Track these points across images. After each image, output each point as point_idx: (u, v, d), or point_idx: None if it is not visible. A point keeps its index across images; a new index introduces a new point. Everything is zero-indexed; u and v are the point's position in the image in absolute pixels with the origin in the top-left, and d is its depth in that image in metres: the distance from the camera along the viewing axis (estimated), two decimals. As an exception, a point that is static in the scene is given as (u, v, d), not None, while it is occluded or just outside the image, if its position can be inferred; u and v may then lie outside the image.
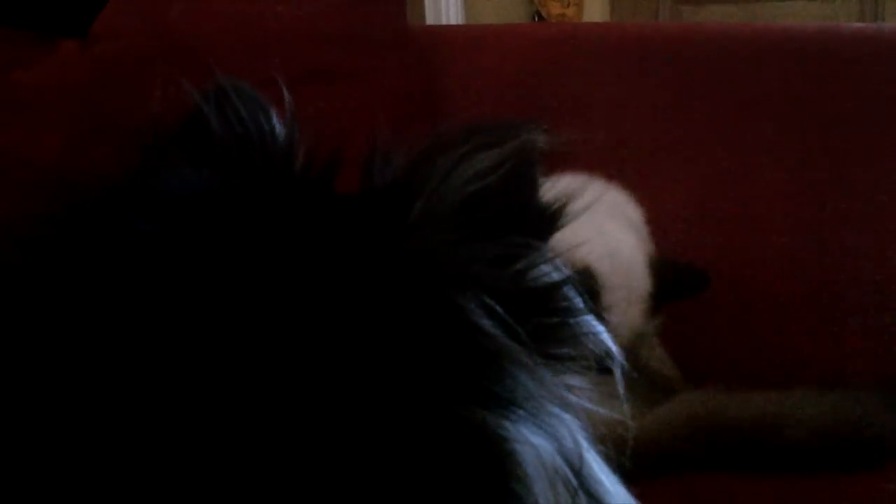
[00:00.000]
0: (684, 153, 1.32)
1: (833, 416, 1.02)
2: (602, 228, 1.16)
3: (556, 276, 0.49)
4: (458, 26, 2.94)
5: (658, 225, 1.25)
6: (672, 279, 1.14)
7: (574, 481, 0.45)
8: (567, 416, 0.47)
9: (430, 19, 3.25)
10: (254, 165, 0.50)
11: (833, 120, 1.29)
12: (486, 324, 0.44)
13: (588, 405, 0.48)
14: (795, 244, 1.24)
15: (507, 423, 0.43)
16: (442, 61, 1.41)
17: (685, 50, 1.38)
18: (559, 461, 0.45)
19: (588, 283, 1.07)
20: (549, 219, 0.51)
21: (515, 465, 0.43)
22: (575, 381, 0.49)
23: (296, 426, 0.42)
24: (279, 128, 0.52)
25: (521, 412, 0.44)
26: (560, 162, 1.27)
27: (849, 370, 1.17)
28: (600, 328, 0.51)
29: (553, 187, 0.51)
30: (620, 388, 0.53)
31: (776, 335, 1.22)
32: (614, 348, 0.52)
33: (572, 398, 0.48)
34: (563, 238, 1.08)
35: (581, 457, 0.47)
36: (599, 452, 0.50)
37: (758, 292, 1.23)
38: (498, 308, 0.45)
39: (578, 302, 0.51)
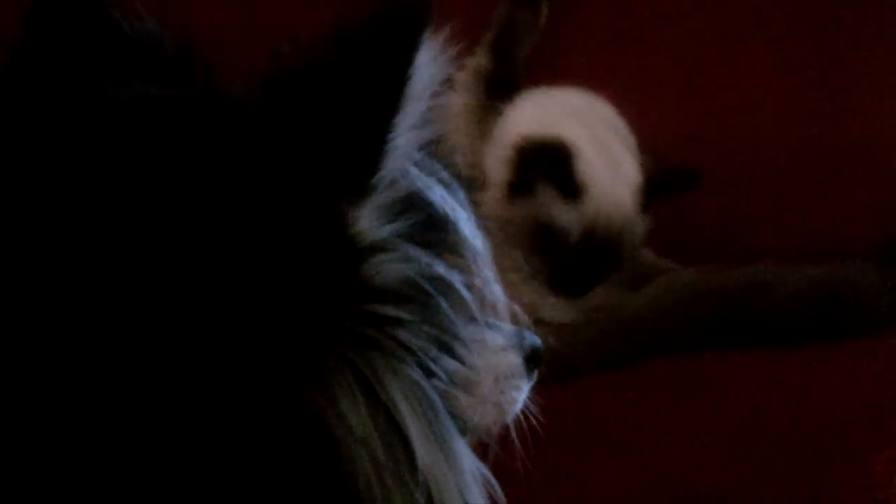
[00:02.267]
0: (670, 35, 1.29)
1: (818, 282, 1.02)
2: (592, 125, 1.16)
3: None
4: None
5: (644, 106, 1.22)
6: (661, 175, 1.14)
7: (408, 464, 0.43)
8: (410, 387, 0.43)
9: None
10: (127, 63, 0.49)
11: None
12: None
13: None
14: (782, 117, 1.22)
15: (334, 401, 0.41)
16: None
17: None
18: (384, 442, 0.42)
19: (553, 151, 1.09)
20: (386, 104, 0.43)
21: (340, 446, 0.41)
22: (424, 341, 0.44)
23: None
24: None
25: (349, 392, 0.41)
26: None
27: (840, 241, 1.14)
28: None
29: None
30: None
31: (765, 210, 1.20)
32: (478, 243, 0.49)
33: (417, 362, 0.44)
34: (537, 119, 1.10)
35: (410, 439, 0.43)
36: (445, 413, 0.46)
37: (746, 166, 1.21)
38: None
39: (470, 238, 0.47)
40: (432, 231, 0.46)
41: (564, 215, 1.09)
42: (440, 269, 0.45)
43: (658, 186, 1.13)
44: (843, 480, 0.79)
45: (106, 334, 0.39)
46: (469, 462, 0.46)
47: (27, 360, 0.39)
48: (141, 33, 0.49)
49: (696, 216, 1.19)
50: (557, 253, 1.10)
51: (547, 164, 1.09)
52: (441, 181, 0.46)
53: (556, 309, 1.09)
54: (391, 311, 0.43)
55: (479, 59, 1.20)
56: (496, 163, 1.13)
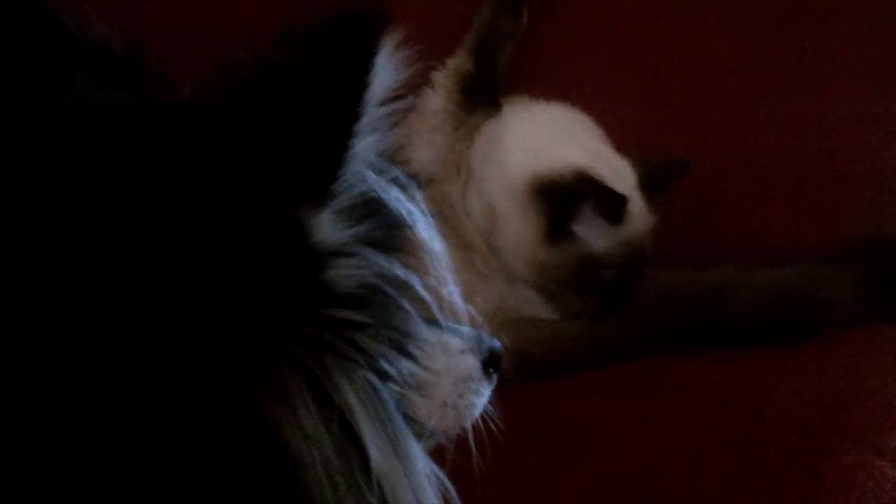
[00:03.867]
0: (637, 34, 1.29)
1: (782, 284, 1.02)
2: (585, 140, 1.15)
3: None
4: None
5: (606, 110, 1.22)
6: (652, 173, 1.13)
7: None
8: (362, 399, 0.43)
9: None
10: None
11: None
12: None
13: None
14: (751, 118, 1.22)
15: (286, 404, 0.41)
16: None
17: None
18: (337, 445, 0.42)
19: (582, 183, 1.06)
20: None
21: (290, 448, 0.41)
22: (383, 345, 0.45)
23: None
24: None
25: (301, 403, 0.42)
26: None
27: (800, 244, 1.14)
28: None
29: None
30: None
31: (726, 212, 1.19)
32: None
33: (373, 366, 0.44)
34: (538, 149, 1.10)
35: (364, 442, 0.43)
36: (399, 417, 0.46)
37: (716, 167, 1.20)
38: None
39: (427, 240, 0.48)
40: (390, 234, 0.46)
41: (607, 242, 1.07)
42: (399, 271, 0.45)
43: (654, 184, 1.12)
44: (805, 483, 0.79)
45: (53, 342, 0.39)
46: (424, 465, 0.46)
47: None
48: (89, 35, 0.49)
49: (667, 218, 1.18)
50: (602, 282, 1.08)
51: (583, 196, 1.05)
52: (398, 184, 0.46)
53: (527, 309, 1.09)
54: (349, 314, 0.43)
55: (460, 61, 1.20)
56: (505, 200, 1.09)
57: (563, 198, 1.05)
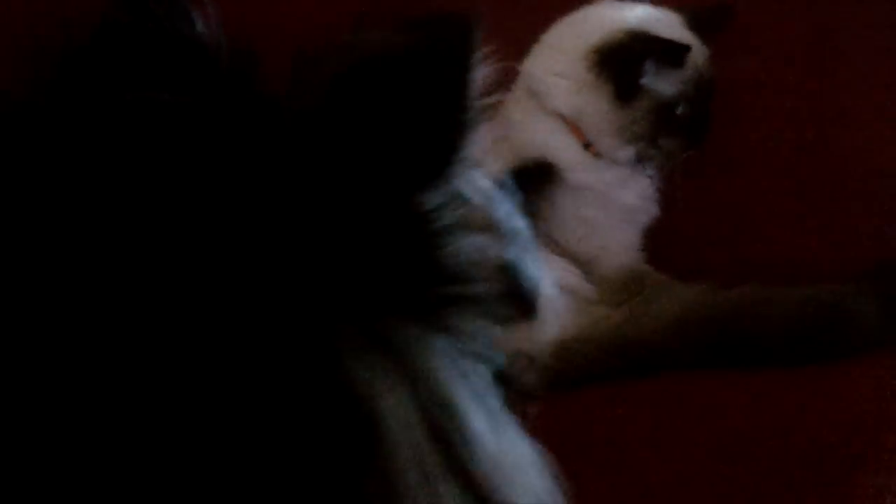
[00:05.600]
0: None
1: (801, 306, 1.03)
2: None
3: (460, 208, 0.46)
4: None
5: None
6: (696, 15, 1.18)
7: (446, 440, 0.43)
8: (450, 373, 0.44)
9: None
10: (173, 71, 0.47)
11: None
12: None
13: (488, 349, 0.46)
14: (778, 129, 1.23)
15: (372, 381, 0.42)
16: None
17: None
18: (427, 424, 0.43)
19: (643, 37, 1.13)
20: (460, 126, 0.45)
21: (378, 422, 0.41)
22: (481, 324, 0.46)
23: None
24: (202, 28, 0.48)
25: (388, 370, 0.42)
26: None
27: (826, 265, 1.13)
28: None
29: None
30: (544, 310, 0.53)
31: (751, 232, 1.21)
32: (538, 274, 0.51)
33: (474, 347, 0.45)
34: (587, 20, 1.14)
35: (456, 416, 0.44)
36: (497, 397, 0.47)
37: (739, 178, 1.22)
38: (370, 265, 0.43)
39: (505, 220, 0.49)
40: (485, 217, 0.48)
41: (675, 85, 1.12)
42: (508, 252, 0.48)
43: (702, 26, 1.16)
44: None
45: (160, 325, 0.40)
46: (524, 447, 0.48)
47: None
48: (195, 37, 0.49)
49: (692, 235, 1.19)
50: (680, 119, 1.13)
51: (644, 54, 1.10)
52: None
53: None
54: (459, 290, 0.45)
55: None
56: (573, 94, 1.15)
57: (626, 61, 1.11)
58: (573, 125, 1.15)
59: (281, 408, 0.40)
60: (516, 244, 0.50)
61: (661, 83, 1.12)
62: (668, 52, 1.11)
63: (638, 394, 0.98)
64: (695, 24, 1.17)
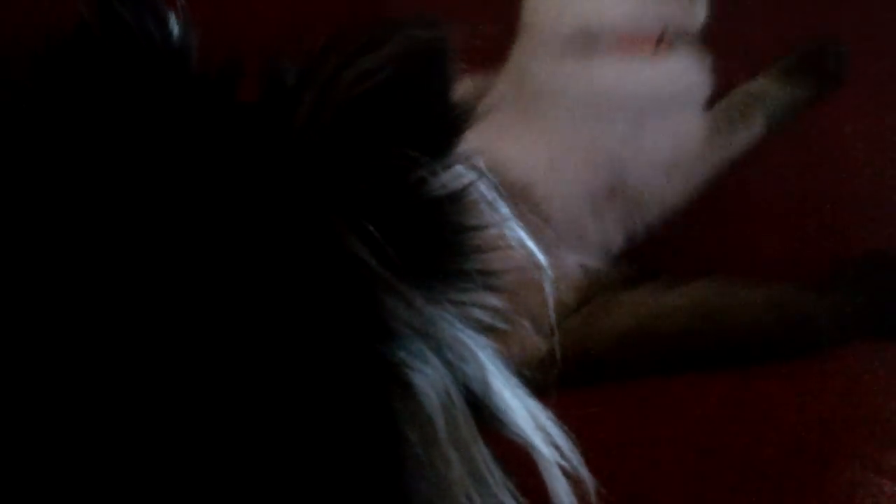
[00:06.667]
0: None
1: (762, 306, 1.03)
2: None
3: (457, 185, 0.46)
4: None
5: None
6: None
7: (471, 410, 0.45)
8: (467, 339, 0.45)
9: None
10: (143, 72, 0.47)
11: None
12: (362, 250, 0.43)
13: (496, 324, 0.47)
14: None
15: (395, 351, 0.42)
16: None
17: None
18: (454, 390, 0.44)
19: None
20: (454, 121, 0.46)
21: (402, 391, 0.42)
22: (483, 297, 0.47)
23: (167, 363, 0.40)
24: (175, 31, 0.48)
25: (407, 339, 0.43)
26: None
27: (799, 262, 1.13)
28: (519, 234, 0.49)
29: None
30: (548, 290, 0.52)
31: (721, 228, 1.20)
32: (538, 255, 0.51)
33: (476, 317, 0.46)
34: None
35: (485, 382, 0.46)
36: (510, 369, 0.48)
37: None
38: (374, 232, 0.43)
39: (494, 207, 0.49)
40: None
41: None
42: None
43: None
44: (805, 499, 0.80)
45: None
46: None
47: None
48: (168, 43, 0.48)
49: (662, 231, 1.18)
50: None
51: None
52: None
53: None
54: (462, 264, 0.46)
55: None
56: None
57: None
58: None
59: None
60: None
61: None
62: None
63: (607, 395, 0.98)
64: None
